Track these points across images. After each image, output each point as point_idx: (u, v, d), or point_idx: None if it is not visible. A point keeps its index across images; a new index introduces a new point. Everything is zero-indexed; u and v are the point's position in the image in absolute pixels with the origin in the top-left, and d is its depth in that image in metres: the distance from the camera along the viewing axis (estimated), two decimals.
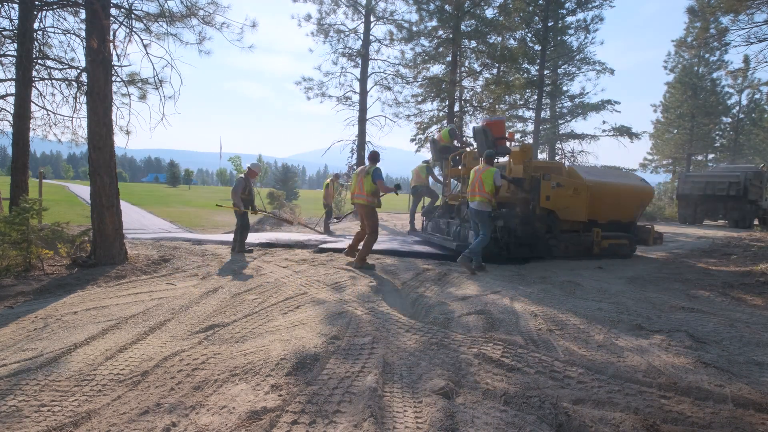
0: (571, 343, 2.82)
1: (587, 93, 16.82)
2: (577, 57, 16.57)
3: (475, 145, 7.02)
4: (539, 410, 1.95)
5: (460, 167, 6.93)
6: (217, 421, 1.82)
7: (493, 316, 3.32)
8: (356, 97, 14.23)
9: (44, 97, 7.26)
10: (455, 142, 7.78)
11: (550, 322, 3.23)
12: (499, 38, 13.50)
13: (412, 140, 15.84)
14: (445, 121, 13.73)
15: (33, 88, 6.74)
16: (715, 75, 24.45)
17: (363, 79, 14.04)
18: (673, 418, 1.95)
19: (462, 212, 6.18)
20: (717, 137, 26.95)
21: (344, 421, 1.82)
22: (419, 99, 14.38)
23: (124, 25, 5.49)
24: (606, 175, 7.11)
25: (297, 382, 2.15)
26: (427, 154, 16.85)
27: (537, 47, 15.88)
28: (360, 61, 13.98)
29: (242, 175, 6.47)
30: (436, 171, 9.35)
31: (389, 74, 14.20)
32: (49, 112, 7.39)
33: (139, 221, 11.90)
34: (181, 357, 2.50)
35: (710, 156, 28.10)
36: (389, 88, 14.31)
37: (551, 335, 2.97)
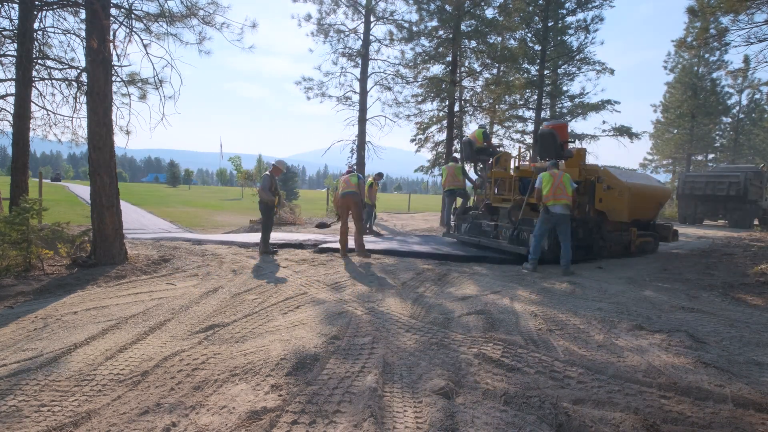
0: (571, 343, 2.82)
1: (587, 93, 16.79)
2: (577, 57, 16.55)
3: (514, 148, 7.22)
4: (539, 410, 1.95)
5: (496, 169, 7.11)
6: (217, 421, 1.82)
7: (493, 316, 3.32)
8: (356, 97, 14.23)
9: (44, 97, 7.27)
10: (485, 143, 7.86)
11: (550, 322, 3.23)
12: (499, 38, 13.49)
13: (412, 140, 15.82)
14: (445, 121, 13.71)
15: (33, 88, 6.74)
16: (715, 75, 24.44)
17: (363, 79, 14.04)
18: (673, 418, 1.95)
19: (512, 215, 6.32)
20: (717, 137, 26.96)
21: (344, 421, 1.82)
22: (419, 99, 14.37)
23: (124, 25, 5.49)
24: (632, 176, 7.39)
25: (297, 382, 2.15)
26: (427, 154, 16.79)
27: (537, 47, 15.87)
28: (360, 61, 13.98)
29: (267, 173, 6.40)
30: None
31: (389, 74, 14.19)
32: (49, 112, 7.39)
33: (139, 221, 11.91)
34: (181, 357, 2.50)
35: (710, 156, 28.11)
36: (389, 88, 14.31)
37: (551, 335, 2.97)
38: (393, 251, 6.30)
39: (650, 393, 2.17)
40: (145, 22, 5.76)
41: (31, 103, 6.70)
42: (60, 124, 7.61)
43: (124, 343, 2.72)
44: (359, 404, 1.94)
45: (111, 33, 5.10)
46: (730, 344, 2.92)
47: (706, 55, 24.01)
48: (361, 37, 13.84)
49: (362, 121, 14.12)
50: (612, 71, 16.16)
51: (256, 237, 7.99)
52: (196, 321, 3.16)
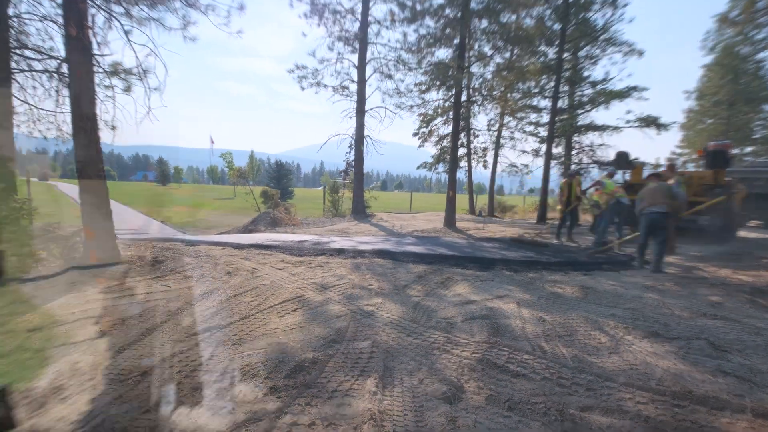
0: (580, 350, 2.91)
1: (611, 79, 16.18)
2: (602, 37, 15.94)
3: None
4: (544, 416, 2.05)
5: None
6: (217, 422, 1.95)
7: (498, 321, 3.42)
8: (354, 87, 14.03)
9: (25, 90, 7.38)
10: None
11: (558, 328, 3.33)
12: (514, 16, 13.15)
13: (415, 134, 15.56)
14: (451, 112, 13.57)
15: (13, 81, 6.86)
16: (760, 56, 23.25)
17: (361, 66, 13.82)
18: (685, 428, 2.03)
19: None
20: (757, 128, 26.19)
21: (344, 424, 1.94)
22: (423, 88, 14.05)
23: (102, 8, 5.53)
24: None
25: (296, 385, 2.29)
26: (431, 149, 16.58)
27: (556, 26, 15.25)
28: (358, 46, 13.65)
29: (667, 183, 6.81)
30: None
31: (390, 60, 13.89)
32: (32, 107, 7.51)
33: (131, 221, 12.15)
34: (180, 359, 2.65)
35: (748, 149, 27.45)
36: (390, 76, 14.06)
37: (560, 341, 3.06)
38: (388, 251, 6.40)
39: (663, 401, 2.25)
40: (124, 5, 5.74)
41: (13, 97, 6.82)
42: (44, 119, 7.72)
43: (121, 345, 2.87)
44: (359, 407, 2.06)
45: (89, 18, 5.15)
46: (754, 353, 2.96)
47: (751, 33, 22.79)
48: (359, 18, 13.57)
49: (360, 112, 13.98)
50: (641, 53, 15.49)
51: (249, 238, 8.14)
52: (192, 323, 3.30)
